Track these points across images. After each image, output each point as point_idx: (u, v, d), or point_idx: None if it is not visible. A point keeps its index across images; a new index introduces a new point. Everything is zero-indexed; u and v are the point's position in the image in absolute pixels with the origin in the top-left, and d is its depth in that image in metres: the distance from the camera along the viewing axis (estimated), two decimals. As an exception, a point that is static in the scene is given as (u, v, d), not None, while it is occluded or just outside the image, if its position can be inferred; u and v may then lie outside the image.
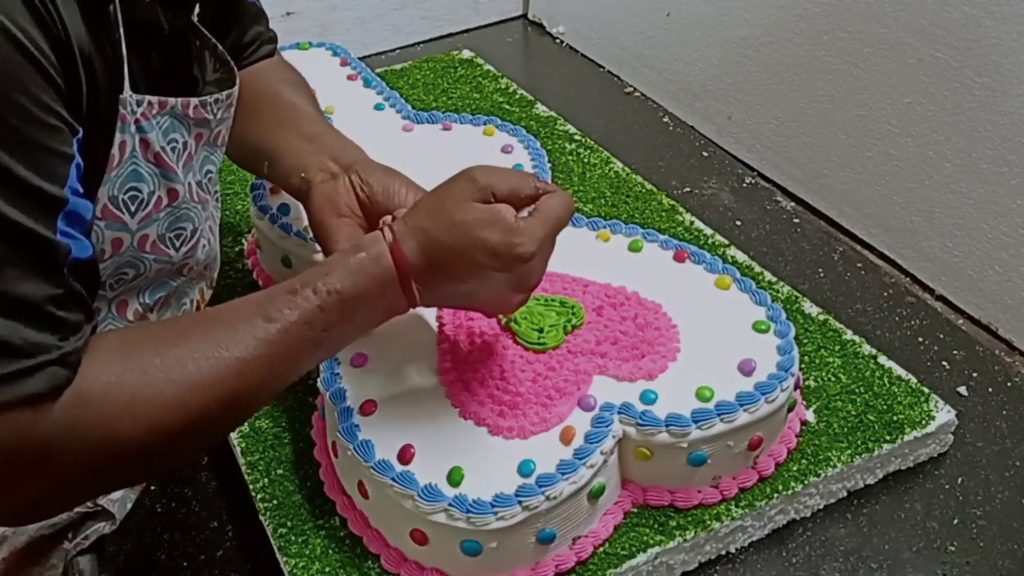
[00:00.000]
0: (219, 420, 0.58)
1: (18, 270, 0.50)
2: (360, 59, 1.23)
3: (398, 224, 0.63)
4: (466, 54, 1.39)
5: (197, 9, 0.72)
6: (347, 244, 0.69)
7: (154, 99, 0.63)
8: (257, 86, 0.83)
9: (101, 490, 0.62)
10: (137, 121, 0.62)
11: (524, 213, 0.63)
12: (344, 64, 1.21)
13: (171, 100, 0.65)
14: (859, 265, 1.02)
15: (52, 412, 0.51)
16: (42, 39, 0.50)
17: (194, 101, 0.67)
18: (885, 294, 0.98)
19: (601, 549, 0.71)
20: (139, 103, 0.62)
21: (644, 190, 1.09)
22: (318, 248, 0.89)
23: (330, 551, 0.72)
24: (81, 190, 0.54)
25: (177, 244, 0.68)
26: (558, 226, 0.64)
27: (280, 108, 0.84)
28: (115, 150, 0.60)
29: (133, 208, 0.63)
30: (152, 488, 0.80)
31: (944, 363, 0.90)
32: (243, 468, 0.79)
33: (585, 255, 0.86)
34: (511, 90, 1.29)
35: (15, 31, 0.49)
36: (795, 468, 0.76)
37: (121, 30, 0.59)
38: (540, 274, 0.65)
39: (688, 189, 1.15)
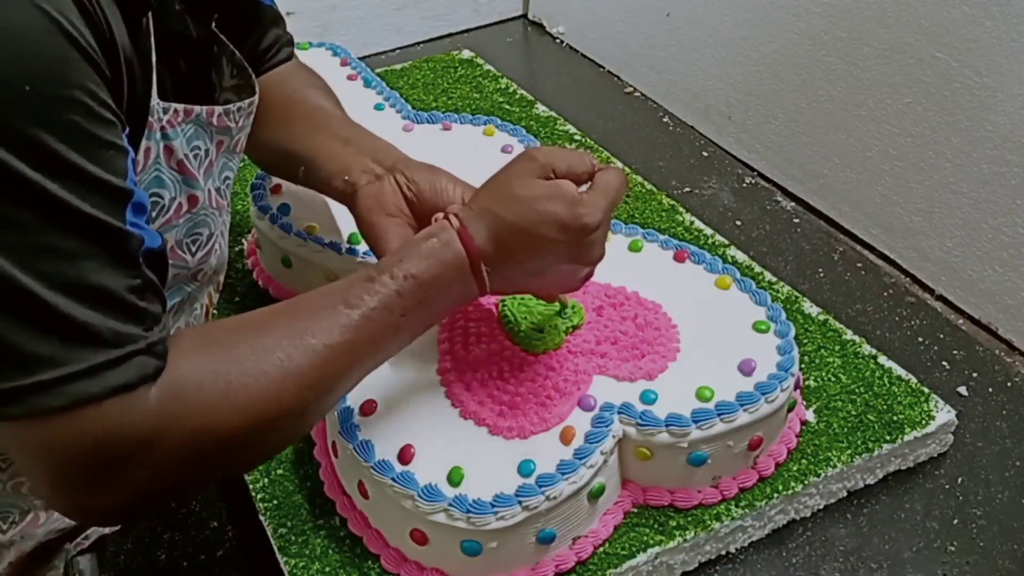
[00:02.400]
0: (311, 407, 0.58)
1: (96, 262, 0.50)
2: (360, 59, 1.23)
3: (463, 210, 0.64)
4: (466, 54, 1.39)
5: (216, 16, 0.72)
6: (398, 243, 0.71)
7: (180, 107, 0.63)
8: (284, 92, 0.83)
9: (198, 483, 0.62)
10: (163, 128, 0.62)
11: (582, 189, 0.65)
12: (344, 64, 1.21)
13: (196, 108, 0.65)
14: (859, 265, 1.03)
15: (146, 403, 0.51)
16: (92, 38, 0.51)
17: (218, 109, 0.67)
18: (885, 294, 0.98)
19: (601, 549, 0.71)
20: (165, 111, 0.62)
21: (644, 190, 1.09)
22: (318, 248, 0.89)
23: (330, 551, 0.72)
24: (137, 182, 0.54)
25: (193, 249, 0.68)
26: (616, 199, 0.65)
27: (311, 113, 0.84)
28: (140, 156, 0.60)
29: (154, 214, 0.63)
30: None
31: (944, 363, 0.90)
32: (243, 468, 0.79)
33: (585, 255, 0.86)
34: (511, 90, 1.29)
35: (70, 28, 0.49)
36: (795, 468, 0.76)
37: (152, 39, 0.59)
38: (603, 247, 0.67)
39: (688, 189, 1.15)
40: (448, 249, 0.63)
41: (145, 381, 0.51)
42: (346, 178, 0.77)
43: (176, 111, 0.63)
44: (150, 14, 0.58)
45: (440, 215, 0.66)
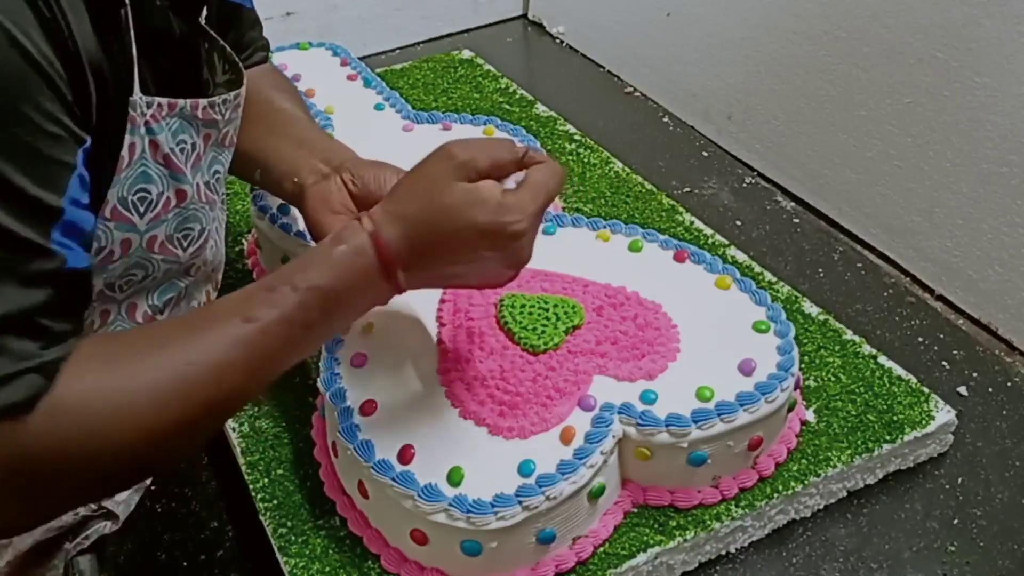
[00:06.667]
0: (199, 424, 0.57)
1: (6, 277, 0.50)
2: (360, 59, 1.23)
3: (377, 212, 0.61)
4: (466, 54, 1.39)
5: (204, 12, 0.72)
6: None
7: (163, 101, 0.63)
8: (248, 94, 0.83)
9: (87, 498, 0.62)
10: (147, 123, 0.62)
11: (511, 183, 0.61)
12: (344, 64, 1.21)
13: (180, 101, 0.65)
14: (859, 265, 1.02)
15: (30, 422, 0.50)
16: (49, 49, 0.50)
17: (203, 102, 0.67)
18: (885, 294, 0.98)
19: (601, 549, 0.71)
20: (149, 105, 0.61)
21: (644, 190, 1.09)
22: (318, 248, 0.89)
23: (330, 551, 0.72)
24: (84, 201, 0.54)
25: (185, 244, 0.68)
26: (549, 198, 0.61)
27: (271, 115, 0.84)
28: (124, 152, 0.60)
29: (142, 209, 0.63)
30: (152, 488, 0.80)
31: (944, 363, 0.90)
32: (243, 468, 0.79)
33: (585, 255, 0.86)
34: (511, 90, 1.29)
35: (22, 39, 0.49)
36: (795, 468, 0.76)
37: (132, 34, 0.59)
38: (530, 249, 0.62)
39: (688, 189, 1.15)
40: (360, 257, 0.59)
41: (33, 400, 0.50)
42: (295, 179, 0.77)
43: (160, 105, 0.63)
44: (128, 9, 0.58)
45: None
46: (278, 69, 0.92)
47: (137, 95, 0.60)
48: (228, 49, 0.73)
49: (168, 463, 0.62)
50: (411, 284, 0.62)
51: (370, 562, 0.71)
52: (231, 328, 0.57)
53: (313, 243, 0.88)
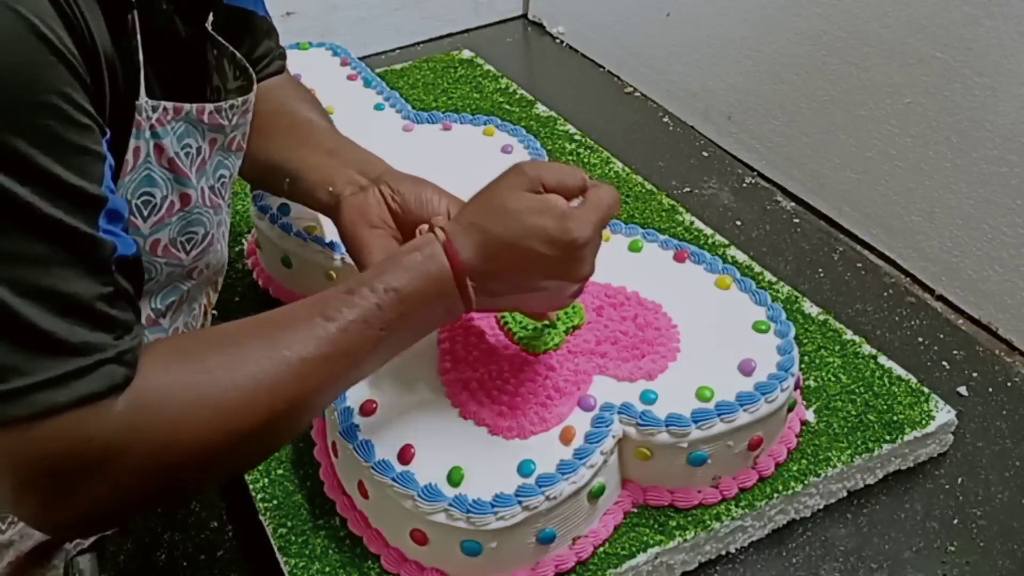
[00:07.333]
0: (283, 422, 0.57)
1: (66, 269, 0.49)
2: (360, 59, 1.24)
3: (450, 223, 0.63)
4: (466, 54, 1.39)
5: (211, 18, 0.72)
6: (381, 256, 0.69)
7: (169, 105, 0.63)
8: (271, 104, 0.83)
9: (161, 498, 0.61)
10: (152, 127, 0.62)
11: (574, 203, 0.63)
12: (344, 64, 1.21)
13: (186, 106, 0.65)
14: (859, 265, 1.03)
15: (111, 413, 0.50)
16: (70, 41, 0.50)
17: (209, 107, 0.67)
18: (885, 294, 0.98)
19: (601, 549, 0.71)
20: (154, 109, 0.62)
21: (644, 190, 1.09)
22: (318, 248, 0.89)
23: (330, 551, 0.72)
24: (115, 188, 0.54)
25: (188, 248, 0.68)
26: (607, 215, 0.64)
27: (298, 125, 0.83)
28: (129, 155, 0.60)
29: (146, 213, 0.63)
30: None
31: (944, 363, 0.90)
32: (243, 468, 0.79)
33: (585, 255, 0.86)
34: (511, 90, 1.29)
35: (46, 31, 0.49)
36: (795, 468, 0.76)
37: (139, 37, 0.59)
38: (592, 263, 0.65)
39: (688, 189, 1.15)
40: (432, 262, 0.61)
41: (113, 391, 0.50)
42: (330, 189, 0.76)
43: (165, 109, 0.63)
44: (136, 12, 0.58)
45: (425, 227, 0.64)
46: (297, 80, 0.91)
47: (143, 99, 0.60)
48: (238, 55, 0.73)
49: (245, 464, 0.62)
50: (482, 298, 0.63)
51: (370, 562, 0.71)
52: (313, 327, 0.57)
53: (315, 242, 0.89)
